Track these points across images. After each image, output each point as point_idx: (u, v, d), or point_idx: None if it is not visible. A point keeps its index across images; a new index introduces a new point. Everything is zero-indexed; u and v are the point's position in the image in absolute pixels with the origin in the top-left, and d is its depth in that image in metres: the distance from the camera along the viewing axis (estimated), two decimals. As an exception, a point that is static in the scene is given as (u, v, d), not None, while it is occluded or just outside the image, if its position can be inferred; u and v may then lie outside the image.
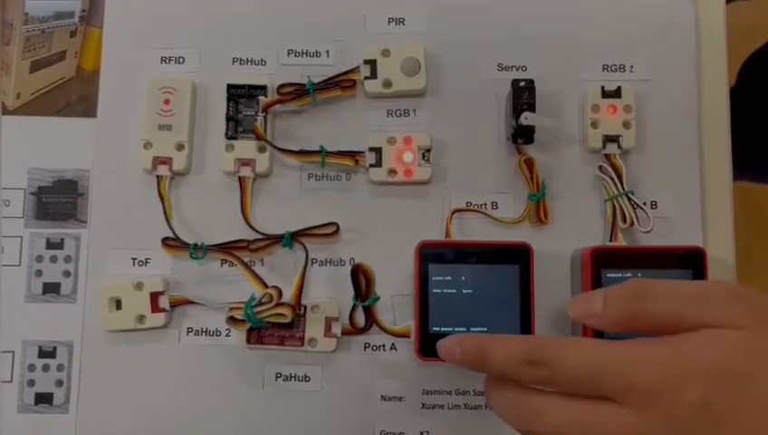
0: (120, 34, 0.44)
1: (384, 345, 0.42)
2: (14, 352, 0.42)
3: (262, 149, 0.43)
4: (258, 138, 0.43)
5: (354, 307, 0.42)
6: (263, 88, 0.43)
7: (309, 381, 0.42)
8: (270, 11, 0.45)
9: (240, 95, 0.43)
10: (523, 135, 0.42)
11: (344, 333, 0.41)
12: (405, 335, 0.41)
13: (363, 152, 0.43)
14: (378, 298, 0.41)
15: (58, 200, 0.43)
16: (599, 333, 0.37)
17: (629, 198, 0.42)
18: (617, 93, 0.43)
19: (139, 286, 0.42)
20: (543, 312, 0.41)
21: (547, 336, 0.32)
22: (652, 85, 0.44)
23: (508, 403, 0.31)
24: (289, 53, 0.44)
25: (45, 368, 0.42)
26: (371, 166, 0.42)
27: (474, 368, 0.33)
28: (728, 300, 0.29)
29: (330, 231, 0.42)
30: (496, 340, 0.32)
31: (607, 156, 0.43)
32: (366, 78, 0.43)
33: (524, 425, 0.31)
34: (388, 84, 0.43)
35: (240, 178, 0.43)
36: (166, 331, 0.42)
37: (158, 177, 0.43)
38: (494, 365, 0.31)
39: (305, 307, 0.41)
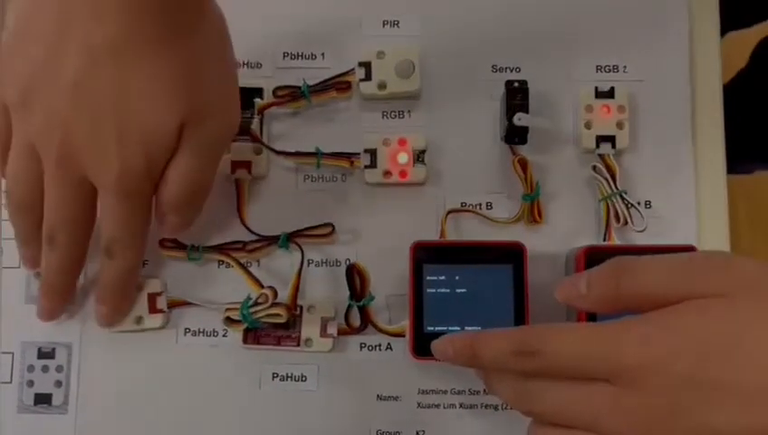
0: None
1: (380, 345, 0.42)
2: (13, 353, 0.42)
3: (258, 151, 0.43)
4: (254, 140, 0.43)
5: (350, 307, 0.42)
6: (259, 90, 0.43)
7: (305, 380, 0.42)
8: (265, 15, 0.45)
9: None
10: (516, 136, 0.42)
11: (340, 332, 0.42)
12: (400, 335, 0.41)
13: (358, 154, 0.43)
14: (373, 298, 0.42)
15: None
16: (591, 316, 0.37)
17: (623, 198, 0.42)
18: (610, 94, 0.43)
19: (137, 287, 0.42)
20: (538, 311, 0.40)
21: (536, 325, 0.32)
22: (646, 85, 0.44)
23: (507, 389, 0.32)
24: (284, 56, 0.45)
25: (44, 369, 0.42)
26: (366, 167, 0.43)
27: (467, 365, 0.34)
28: (710, 269, 0.29)
29: (325, 232, 0.42)
30: (485, 335, 0.32)
31: (601, 156, 0.43)
32: (361, 80, 0.43)
33: (525, 407, 0.32)
34: (382, 86, 0.43)
35: (236, 179, 0.43)
36: (164, 331, 0.42)
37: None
38: (485, 361, 0.32)
39: (301, 307, 0.42)
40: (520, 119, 0.41)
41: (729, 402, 0.27)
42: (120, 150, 0.35)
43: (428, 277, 0.40)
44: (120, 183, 0.36)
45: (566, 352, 0.30)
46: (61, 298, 0.41)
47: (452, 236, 0.43)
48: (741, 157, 0.43)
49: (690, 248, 0.40)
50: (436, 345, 0.35)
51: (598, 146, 0.43)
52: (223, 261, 0.43)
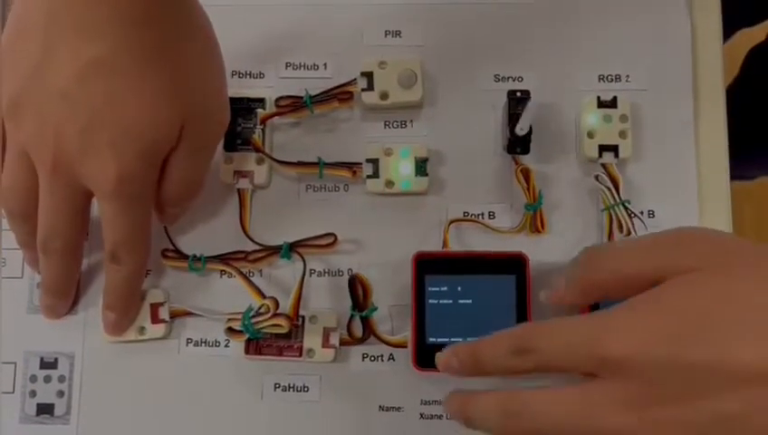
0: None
1: (382, 356, 0.42)
2: (15, 363, 0.42)
3: (260, 161, 0.43)
4: (256, 150, 0.43)
5: (352, 317, 0.42)
6: (261, 101, 0.43)
7: (307, 391, 0.42)
8: (268, 25, 0.45)
9: (239, 108, 0.43)
10: (519, 145, 0.42)
11: (342, 343, 0.42)
12: (402, 346, 0.41)
13: (360, 163, 0.43)
14: (375, 308, 0.42)
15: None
16: (594, 306, 0.37)
17: (626, 208, 0.42)
18: (613, 103, 0.43)
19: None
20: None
21: (535, 322, 0.32)
22: (649, 94, 0.44)
23: (492, 408, 0.32)
24: (287, 66, 0.45)
25: (47, 379, 0.42)
26: (369, 177, 0.43)
27: (473, 374, 0.33)
28: (679, 246, 0.30)
29: (328, 242, 0.42)
30: (485, 341, 0.32)
31: (603, 165, 0.43)
32: (363, 90, 0.43)
33: (513, 423, 0.31)
34: (384, 96, 0.43)
35: (239, 189, 0.43)
36: (166, 342, 0.42)
37: (157, 189, 0.43)
38: (488, 366, 0.32)
39: (303, 318, 0.41)
40: (522, 129, 0.41)
41: (715, 379, 0.27)
42: (117, 156, 0.35)
43: (431, 288, 0.40)
44: (121, 188, 0.36)
45: (556, 346, 0.30)
46: (62, 297, 0.42)
47: (454, 247, 0.42)
48: (743, 162, 0.43)
49: None
50: (439, 358, 0.35)
51: (600, 155, 0.43)
52: (225, 271, 0.43)
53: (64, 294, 0.42)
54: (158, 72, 0.35)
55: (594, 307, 0.38)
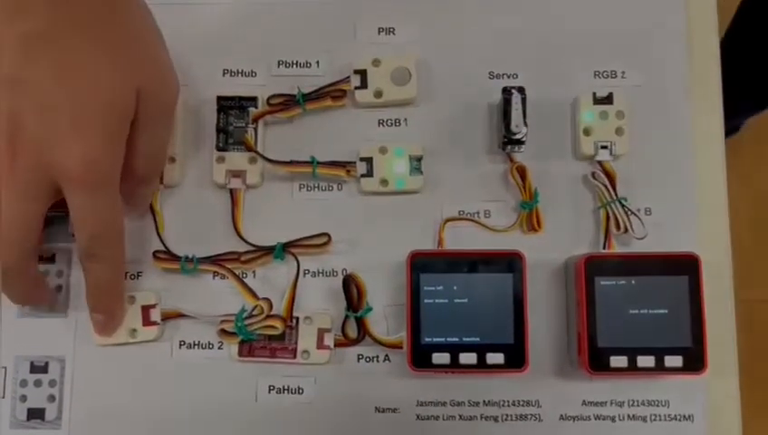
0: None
1: (377, 356, 0.42)
2: (5, 367, 0.42)
3: (252, 161, 0.43)
4: (248, 149, 0.42)
5: (347, 318, 0.41)
6: (253, 99, 0.43)
7: (302, 393, 0.41)
8: (260, 23, 0.45)
9: (230, 107, 0.43)
10: (514, 143, 0.42)
11: (337, 344, 0.41)
12: (398, 346, 0.41)
13: (354, 162, 0.42)
14: (370, 309, 0.41)
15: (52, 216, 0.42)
16: (591, 309, 0.38)
17: (623, 205, 0.41)
18: (609, 100, 0.42)
19: (130, 300, 0.42)
20: (537, 320, 0.41)
21: None
22: (644, 91, 0.43)
23: None
24: (279, 64, 0.44)
25: (37, 383, 0.42)
26: (363, 176, 0.42)
27: None
28: None
29: (321, 242, 0.42)
30: None
31: (600, 162, 0.42)
32: (356, 88, 0.43)
33: None
34: (378, 94, 0.43)
35: (231, 189, 0.43)
36: (158, 344, 0.42)
37: (149, 190, 0.42)
38: None
39: (297, 319, 0.41)
40: (517, 126, 0.41)
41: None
42: (81, 138, 0.34)
43: (426, 287, 0.40)
44: (89, 173, 0.34)
45: None
46: (31, 295, 0.40)
47: (450, 246, 0.42)
48: (727, 110, 0.43)
49: (691, 256, 0.39)
50: None
51: (596, 152, 0.42)
52: (217, 272, 0.42)
53: (31, 294, 0.40)
54: (103, 40, 0.34)
55: (591, 308, 0.39)
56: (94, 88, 0.34)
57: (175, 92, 0.39)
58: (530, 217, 0.42)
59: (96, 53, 0.34)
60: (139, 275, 0.42)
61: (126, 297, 0.41)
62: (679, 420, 0.41)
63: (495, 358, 0.39)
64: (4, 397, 0.42)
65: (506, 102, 0.41)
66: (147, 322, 0.41)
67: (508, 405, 0.41)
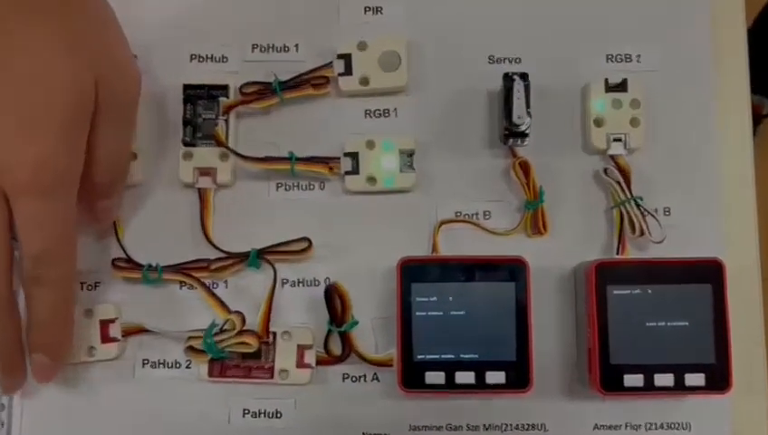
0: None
1: (365, 376, 0.40)
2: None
3: (223, 157, 0.41)
4: (219, 144, 0.41)
5: (330, 333, 0.40)
6: (224, 88, 0.42)
7: (280, 417, 0.40)
8: (232, 2, 0.43)
9: (198, 96, 0.42)
10: (516, 135, 0.40)
11: (319, 362, 0.40)
12: (387, 364, 0.40)
13: (338, 158, 0.41)
14: (356, 322, 0.40)
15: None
16: (603, 327, 0.37)
17: (638, 205, 0.40)
18: (622, 87, 0.41)
19: (87, 314, 0.40)
20: (543, 334, 0.39)
21: None
22: (662, 76, 0.42)
23: None
24: (253, 49, 0.43)
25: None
26: (347, 173, 0.41)
27: None
28: None
29: (301, 247, 0.41)
30: None
31: (612, 157, 0.41)
32: (340, 74, 0.42)
33: None
34: (365, 81, 0.42)
35: (199, 189, 0.41)
36: (119, 363, 0.40)
37: (107, 190, 0.41)
38: None
39: (274, 334, 0.40)
40: (520, 117, 0.39)
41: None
42: (30, 137, 0.32)
43: (418, 298, 0.38)
44: (37, 174, 0.32)
45: None
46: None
47: (445, 251, 0.41)
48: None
49: (714, 262, 0.38)
50: None
51: (609, 146, 0.41)
52: (184, 282, 0.41)
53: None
54: (51, 24, 0.32)
55: (603, 321, 0.38)
56: (47, 76, 0.32)
57: (137, 84, 0.37)
58: (534, 219, 0.41)
59: (51, 38, 0.33)
60: (96, 286, 0.41)
61: (73, 331, 0.38)
62: (702, 444, 0.40)
63: (496, 377, 0.38)
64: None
65: (508, 90, 0.40)
66: (106, 338, 0.40)
67: (510, 429, 0.40)
